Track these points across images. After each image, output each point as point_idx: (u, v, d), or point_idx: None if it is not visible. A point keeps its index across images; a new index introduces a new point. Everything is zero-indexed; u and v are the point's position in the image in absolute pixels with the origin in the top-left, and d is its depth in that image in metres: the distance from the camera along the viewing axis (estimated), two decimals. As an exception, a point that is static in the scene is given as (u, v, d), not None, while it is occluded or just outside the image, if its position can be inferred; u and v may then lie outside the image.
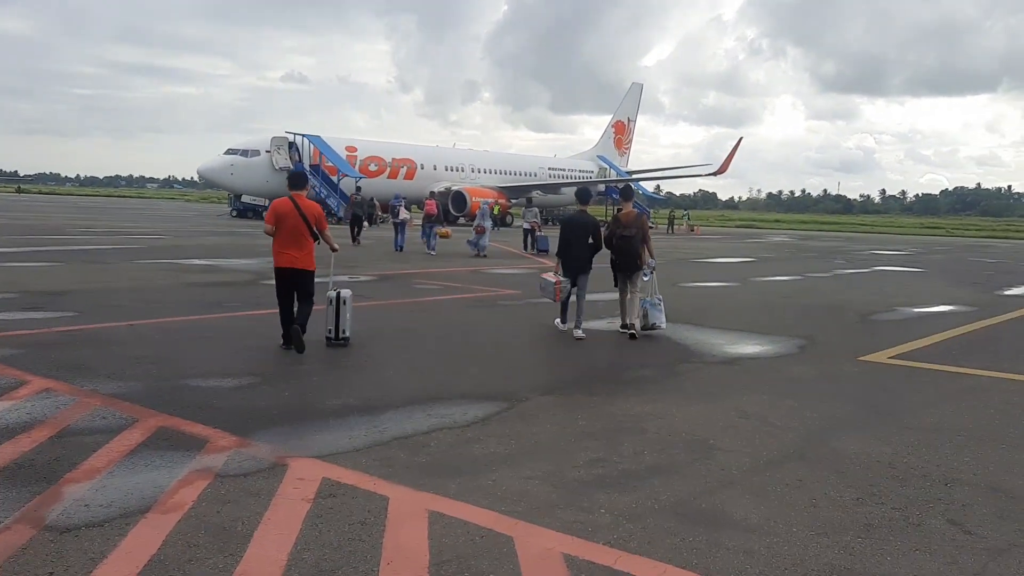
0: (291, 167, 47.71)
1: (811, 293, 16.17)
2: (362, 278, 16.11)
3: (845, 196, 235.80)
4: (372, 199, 37.23)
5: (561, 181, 60.81)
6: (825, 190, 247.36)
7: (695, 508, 4.46)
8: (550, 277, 10.25)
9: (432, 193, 30.12)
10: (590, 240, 10.01)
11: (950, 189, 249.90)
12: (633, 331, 10.01)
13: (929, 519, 4.40)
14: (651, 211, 65.43)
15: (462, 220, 48.82)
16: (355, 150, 50.62)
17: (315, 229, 8.57)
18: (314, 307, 8.71)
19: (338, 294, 8.81)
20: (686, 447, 5.56)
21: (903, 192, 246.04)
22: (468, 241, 24.43)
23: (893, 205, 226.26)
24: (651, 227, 57.36)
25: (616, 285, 10.58)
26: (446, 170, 54.88)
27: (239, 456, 5.04)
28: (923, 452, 5.60)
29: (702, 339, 10.10)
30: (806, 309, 13.54)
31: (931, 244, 46.63)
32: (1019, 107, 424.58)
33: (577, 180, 62.17)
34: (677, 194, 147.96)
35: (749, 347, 9.66)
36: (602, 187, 62.02)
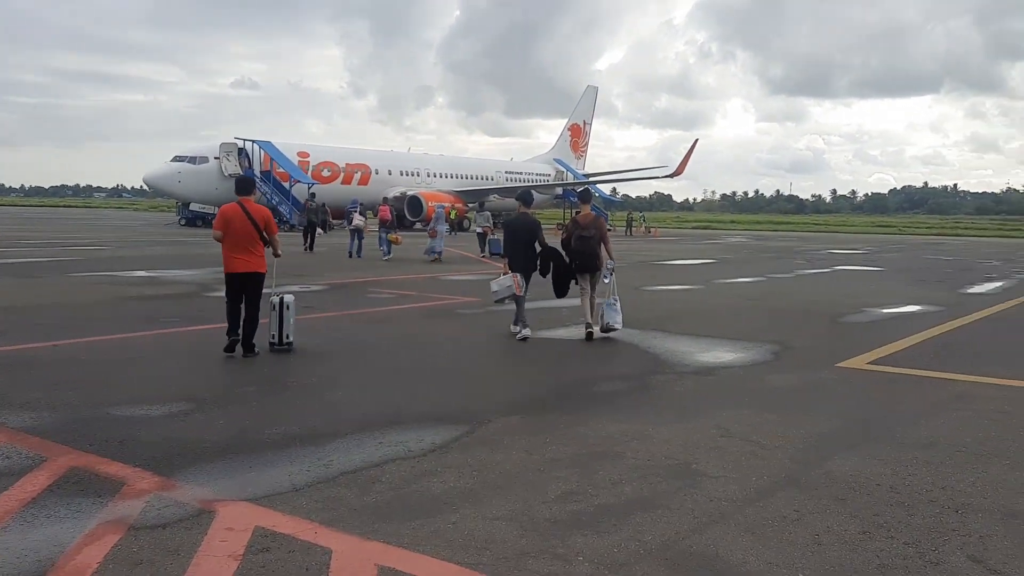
0: (241, 174, 46.65)
1: (776, 295, 15.81)
2: (313, 287, 15.37)
3: (797, 196, 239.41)
4: (324, 205, 36.52)
5: (518, 185, 60.31)
6: (778, 190, 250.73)
7: (686, 550, 3.89)
8: (503, 278, 10.25)
9: (385, 199, 29.44)
10: (535, 241, 10.21)
11: (898, 188, 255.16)
12: (591, 331, 10.02)
13: (948, 555, 3.89)
14: (609, 214, 65.27)
15: (418, 225, 48.11)
16: (307, 156, 49.62)
17: (264, 233, 8.63)
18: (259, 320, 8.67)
19: (281, 299, 8.81)
20: (668, 474, 5.00)
21: (853, 191, 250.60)
22: (425, 249, 24.16)
23: (844, 204, 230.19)
24: (610, 229, 57.32)
25: (558, 296, 10.67)
26: (401, 175, 54.08)
27: (159, 502, 4.36)
28: (925, 473, 5.11)
29: (672, 347, 9.59)
30: (774, 312, 13.14)
31: (885, 243, 47.01)
32: (961, 108, 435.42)
33: (534, 183, 61.81)
34: (633, 196, 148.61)
35: (722, 355, 9.18)
36: (559, 190, 61.77)
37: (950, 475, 5.07)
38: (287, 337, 8.77)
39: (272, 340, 8.74)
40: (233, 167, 46.35)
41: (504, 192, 57.83)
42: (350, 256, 24.32)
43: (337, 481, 4.73)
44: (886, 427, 6.21)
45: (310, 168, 48.91)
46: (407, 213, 49.00)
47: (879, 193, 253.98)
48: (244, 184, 8.97)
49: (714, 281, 18.61)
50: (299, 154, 49.10)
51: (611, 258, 10.37)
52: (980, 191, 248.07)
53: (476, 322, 11.53)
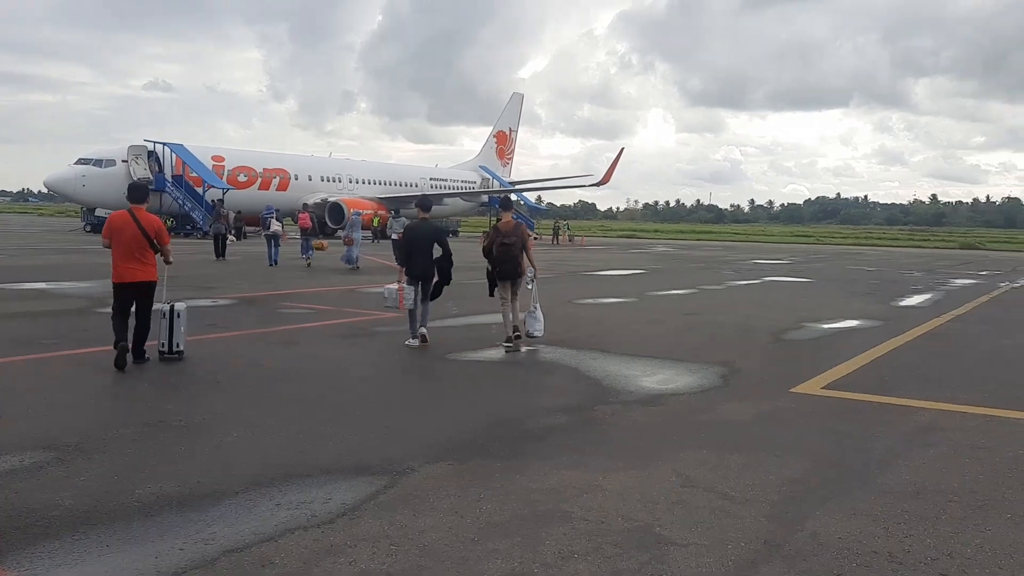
0: (151, 178, 44.45)
1: (711, 309, 15.25)
2: (220, 302, 14.13)
3: (717, 206, 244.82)
4: (239, 212, 35.09)
5: (444, 192, 59.36)
6: (698, 200, 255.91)
7: (663, 662, 3.04)
8: (393, 286, 10.29)
9: (305, 205, 28.29)
10: (436, 247, 10.21)
11: (812, 199, 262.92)
12: (516, 338, 10.00)
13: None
14: (535, 222, 64.80)
15: (340, 233, 46.69)
16: (222, 159, 47.66)
17: (155, 242, 8.50)
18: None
19: (171, 307, 8.66)
20: (628, 541, 4.15)
21: (770, 202, 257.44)
22: (342, 257, 23.60)
23: (761, 214, 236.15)
24: (536, 238, 56.75)
25: (491, 293, 10.53)
26: (322, 180, 52.50)
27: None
28: (921, 533, 4.39)
29: (613, 370, 8.80)
30: (713, 328, 12.52)
31: (806, 252, 47.66)
32: (869, 121, 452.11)
33: (459, 191, 60.95)
34: (558, 205, 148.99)
35: (668, 379, 8.43)
36: (485, 197, 61.00)
37: (951, 536, 4.35)
38: (177, 346, 8.64)
39: (161, 349, 8.58)
40: (142, 171, 44.14)
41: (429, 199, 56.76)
42: (274, 264, 23.47)
43: (217, 567, 3.73)
44: (863, 470, 5.50)
45: (225, 172, 46.96)
46: (328, 220, 47.49)
47: (794, 203, 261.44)
48: (136, 191, 8.85)
49: (647, 293, 18.01)
50: (213, 158, 47.11)
51: (533, 266, 10.34)
52: (888, 202, 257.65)
53: (397, 343, 10.55)
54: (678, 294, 18.26)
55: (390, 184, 56.68)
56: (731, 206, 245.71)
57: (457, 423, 6.48)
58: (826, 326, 13.06)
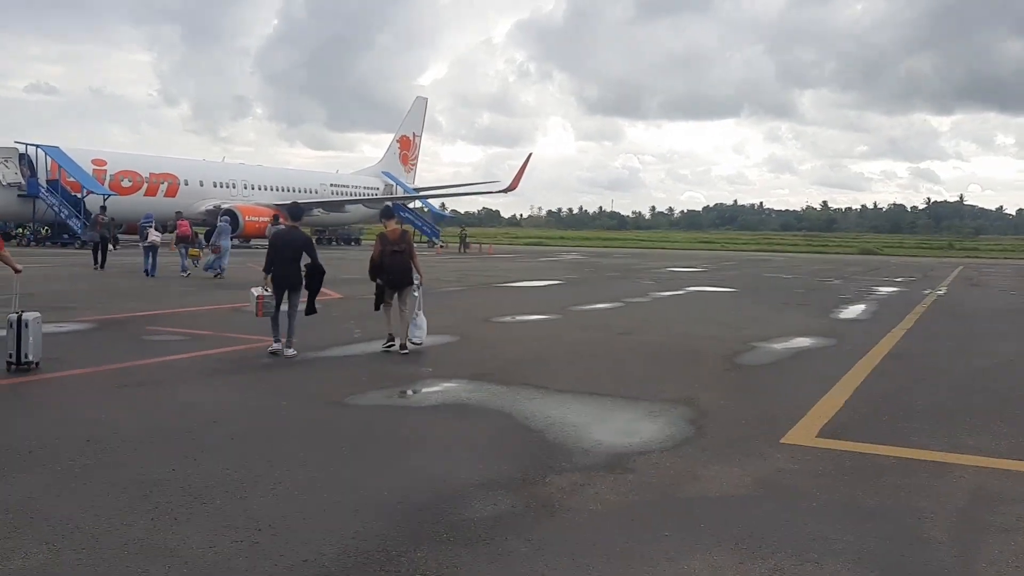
0: (22, 183, 40.62)
1: (645, 327, 13.71)
2: (72, 326, 11.74)
3: (619, 213, 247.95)
4: (111, 218, 32.21)
5: (345, 199, 56.79)
6: (600, 207, 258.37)
7: None
8: (255, 291, 9.93)
9: (178, 213, 25.95)
10: (304, 256, 10.01)
11: (711, 205, 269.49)
12: (403, 348, 9.92)
13: None
14: (440, 229, 62.84)
15: (235, 241, 43.73)
16: (104, 163, 44.11)
17: None
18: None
19: (19, 316, 8.28)
20: None
21: (670, 208, 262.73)
22: (205, 265, 22.28)
23: (662, 221, 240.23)
24: (443, 246, 54.93)
25: (377, 307, 10.46)
26: (215, 186, 49.28)
27: None
28: None
29: (556, 415, 7.03)
30: (655, 351, 10.93)
31: (716, 259, 47.26)
32: (760, 131, 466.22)
33: (362, 197, 58.49)
34: (462, 212, 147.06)
35: (628, 428, 6.72)
36: (388, 204, 58.68)
37: None
38: (26, 356, 8.30)
39: (9, 360, 8.27)
40: (13, 175, 40.39)
41: (330, 206, 54.20)
42: (150, 275, 21.69)
43: None
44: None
45: (107, 177, 43.45)
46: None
47: (694, 210, 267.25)
48: None
49: (570, 308, 16.37)
50: (94, 162, 43.51)
51: (419, 273, 10.35)
52: (782, 208, 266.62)
53: (284, 381, 8.53)
54: (603, 308, 16.69)
55: (288, 190, 53.76)
56: (633, 213, 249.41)
57: (354, 515, 4.56)
58: (777, 346, 11.64)
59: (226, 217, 26.80)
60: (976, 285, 27.79)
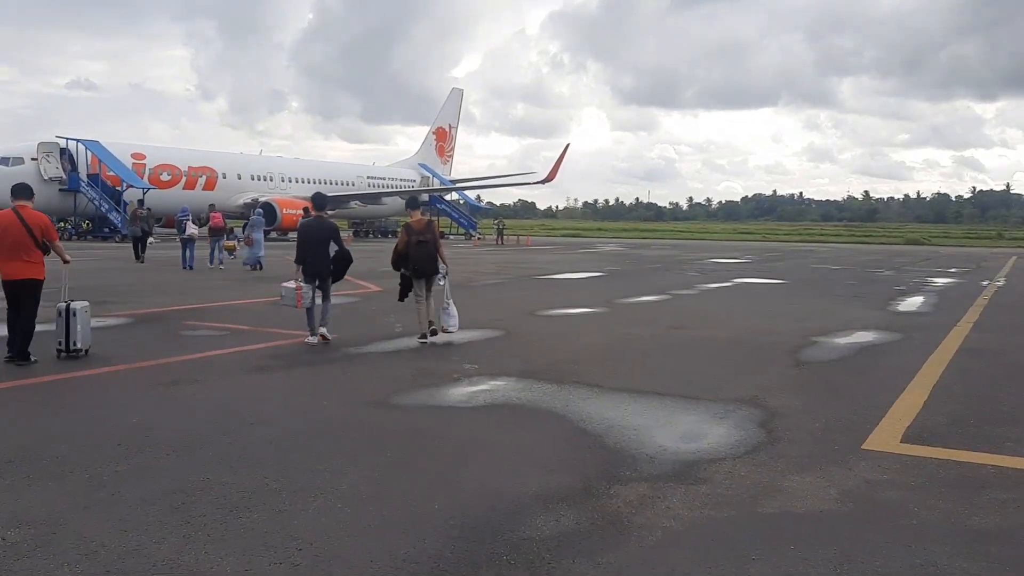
0: (63, 177, 40.94)
1: (697, 320, 13.15)
2: (110, 321, 11.51)
3: (656, 204, 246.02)
4: (149, 209, 32.47)
5: (381, 191, 56.62)
6: (637, 198, 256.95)
7: None
8: (290, 284, 10.07)
9: (212, 205, 25.94)
10: (332, 245, 10.20)
11: (749, 196, 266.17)
12: (432, 333, 10.04)
13: None
14: (477, 221, 62.50)
15: (274, 235, 43.76)
16: (143, 157, 44.29)
17: (42, 240, 8.50)
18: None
19: (68, 305, 8.61)
20: None
21: (708, 199, 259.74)
22: (244, 260, 22.38)
23: (700, 212, 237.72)
24: (479, 237, 54.64)
25: (401, 298, 10.58)
26: (252, 179, 49.36)
27: None
28: None
29: (615, 417, 6.55)
30: (711, 347, 10.39)
31: (758, 250, 46.29)
32: (799, 120, 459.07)
33: (399, 189, 58.30)
34: (498, 204, 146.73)
35: (693, 432, 6.22)
36: (426, 196, 58.48)
37: None
38: (74, 344, 8.59)
39: (59, 348, 8.58)
40: (55, 170, 40.67)
41: (366, 198, 54.11)
42: (189, 269, 21.84)
43: None
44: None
45: (147, 171, 43.65)
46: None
47: (732, 201, 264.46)
48: (20, 190, 8.66)
49: (615, 301, 15.84)
50: (133, 156, 43.73)
51: (444, 262, 10.40)
52: (822, 199, 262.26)
53: (326, 379, 8.15)
54: (651, 301, 16.14)
55: (325, 183, 53.62)
56: (670, 204, 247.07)
57: (404, 535, 4.13)
58: (841, 341, 11.02)
59: (259, 210, 26.71)
60: (1035, 276, 26.72)
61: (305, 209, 21.86)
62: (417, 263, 10.20)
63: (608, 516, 4.45)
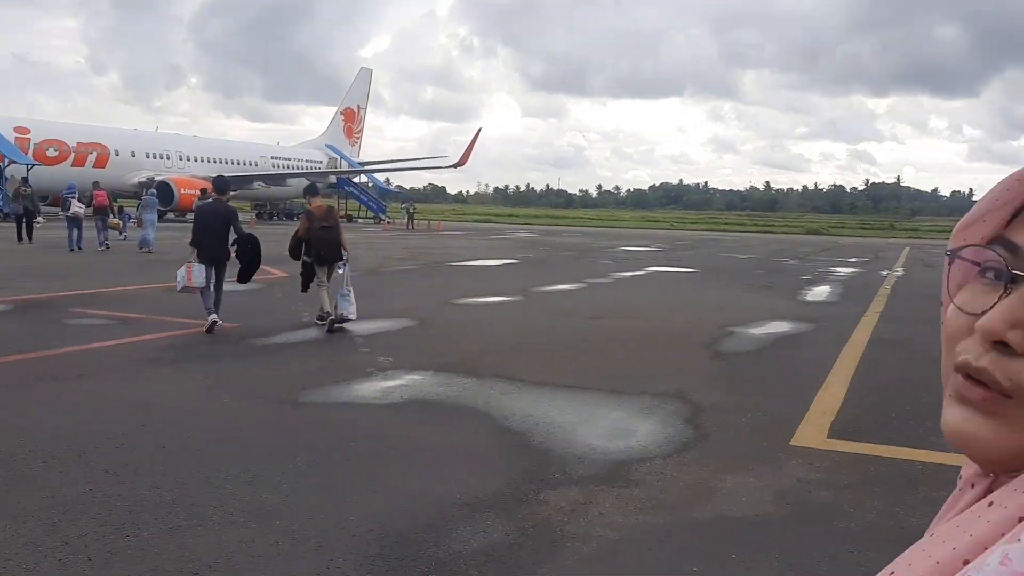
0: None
1: (616, 310, 13.02)
2: (-15, 309, 10.56)
3: (566, 191, 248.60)
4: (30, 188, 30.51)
5: (287, 172, 54.96)
6: (547, 185, 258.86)
7: None
8: (184, 268, 9.69)
9: (96, 183, 24.53)
10: (228, 230, 9.95)
11: (656, 185, 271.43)
12: (332, 321, 9.79)
13: None
14: (387, 205, 61.46)
15: (170, 215, 41.93)
16: (27, 132, 41.62)
17: None
18: None
19: None
20: None
21: (617, 187, 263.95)
22: (139, 242, 21.37)
23: (609, 199, 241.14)
24: (388, 221, 53.71)
25: (304, 288, 10.48)
26: (148, 157, 47.06)
27: None
28: None
29: (540, 415, 6.26)
30: (631, 338, 10.23)
31: (668, 239, 46.92)
32: (703, 110, 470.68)
33: (305, 170, 56.71)
34: (407, 188, 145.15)
35: (621, 429, 5.98)
36: (332, 178, 57.15)
37: None
38: None
39: None
40: (-77, 144, 37.84)
41: (271, 179, 52.44)
42: (71, 250, 20.63)
43: None
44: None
45: (31, 146, 41.03)
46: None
47: (640, 189, 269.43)
48: None
49: (531, 289, 15.59)
50: (16, 130, 41.05)
51: (346, 249, 10.34)
52: (726, 188, 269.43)
53: (227, 373, 7.59)
54: (567, 290, 15.96)
55: (227, 163, 51.69)
56: (580, 191, 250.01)
57: (316, 553, 3.72)
58: (756, 332, 11.04)
59: (152, 190, 25.32)
60: (929, 266, 27.78)
61: (203, 190, 20.75)
62: (322, 249, 10.09)
63: (540, 525, 4.14)
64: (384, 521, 4.11)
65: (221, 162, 51.11)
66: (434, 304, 12.72)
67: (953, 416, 0.58)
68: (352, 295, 9.94)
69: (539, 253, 28.23)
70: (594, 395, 7.03)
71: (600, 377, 7.75)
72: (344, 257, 10.29)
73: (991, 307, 0.56)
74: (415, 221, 51.32)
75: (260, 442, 5.45)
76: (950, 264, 0.62)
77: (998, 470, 0.57)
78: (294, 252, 10.34)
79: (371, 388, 7.04)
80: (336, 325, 9.77)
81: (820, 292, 17.09)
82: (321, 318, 10.01)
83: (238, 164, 52.29)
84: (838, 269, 24.48)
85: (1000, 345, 0.55)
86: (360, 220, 56.29)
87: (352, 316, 9.91)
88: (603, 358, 8.84)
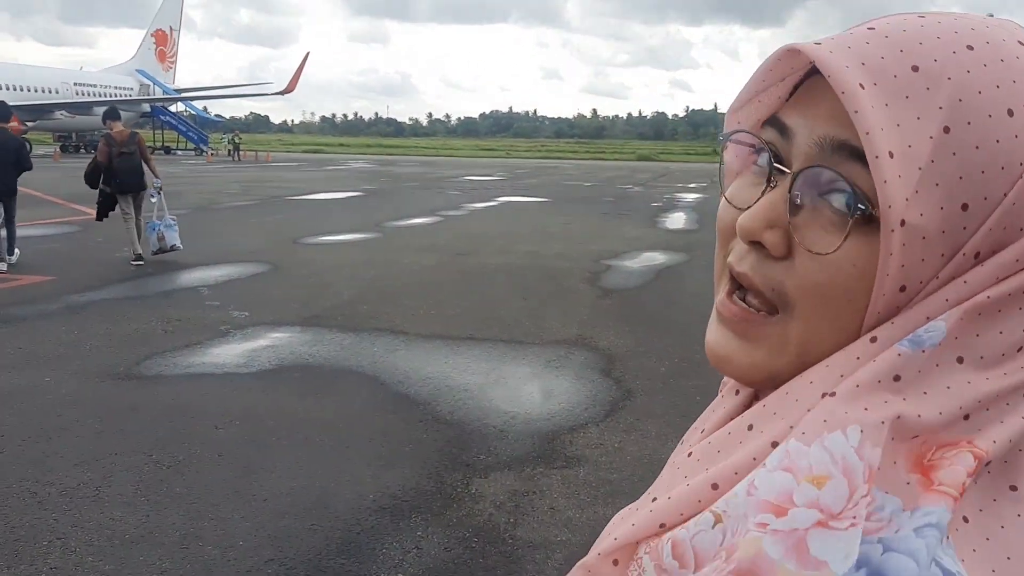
0: None
1: (481, 245, 12.21)
2: None
3: (396, 119, 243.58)
4: None
5: (93, 99, 49.83)
6: (376, 113, 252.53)
7: None
8: None
9: None
10: (15, 160, 9.37)
11: (487, 113, 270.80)
12: (140, 259, 9.39)
13: None
14: (209, 136, 57.28)
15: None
16: None
17: None
18: None
19: None
20: None
21: (447, 115, 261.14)
22: None
23: (440, 128, 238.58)
24: (213, 153, 50.22)
25: (99, 217, 10.15)
26: (-78, 83, 41.25)
27: None
28: None
29: (440, 376, 5.40)
30: (512, 276, 9.48)
31: (508, 167, 46.42)
32: (530, 37, 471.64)
33: (113, 98, 51.66)
34: (227, 117, 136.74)
35: (538, 392, 5.23)
36: (146, 106, 52.58)
37: None
38: None
39: None
40: None
41: (75, 108, 47.43)
42: None
43: None
44: None
45: None
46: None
47: (471, 117, 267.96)
48: None
49: (386, 224, 14.50)
50: None
51: (156, 176, 9.91)
52: (555, 116, 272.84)
53: (46, 340, 6.21)
54: (424, 224, 14.96)
55: (20, 89, 46.15)
56: (410, 120, 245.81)
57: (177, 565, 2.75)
58: (634, 264, 10.58)
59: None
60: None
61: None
62: (122, 176, 9.68)
63: (483, 532, 3.33)
64: (283, 544, 3.16)
65: (16, 89, 45.58)
66: (283, 244, 11.44)
67: (712, 335, 0.52)
68: (172, 221, 9.70)
69: (381, 184, 26.88)
70: (492, 347, 6.23)
71: (491, 325, 6.95)
72: (156, 184, 9.87)
73: (755, 201, 0.49)
74: (241, 152, 48.16)
75: (96, 434, 4.28)
76: (723, 151, 0.55)
77: (758, 389, 0.52)
78: (89, 178, 9.93)
79: (230, 352, 5.92)
80: (139, 262, 9.36)
81: (677, 219, 16.99)
82: (138, 259, 9.43)
83: (35, 91, 46.84)
84: (683, 195, 24.73)
85: (759, 246, 0.48)
86: (180, 152, 52.25)
87: (179, 245, 9.68)
88: (487, 301, 8.03)
